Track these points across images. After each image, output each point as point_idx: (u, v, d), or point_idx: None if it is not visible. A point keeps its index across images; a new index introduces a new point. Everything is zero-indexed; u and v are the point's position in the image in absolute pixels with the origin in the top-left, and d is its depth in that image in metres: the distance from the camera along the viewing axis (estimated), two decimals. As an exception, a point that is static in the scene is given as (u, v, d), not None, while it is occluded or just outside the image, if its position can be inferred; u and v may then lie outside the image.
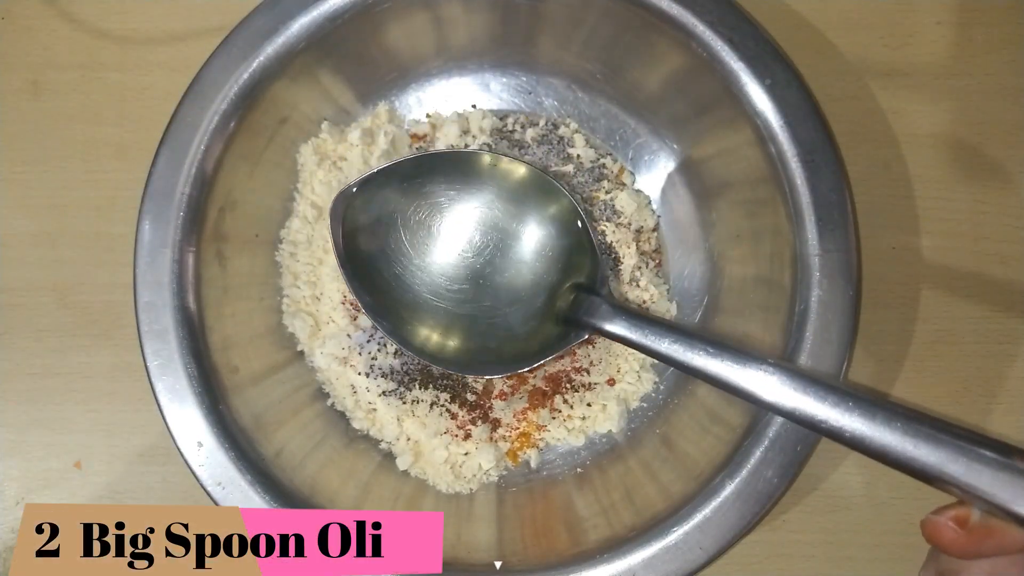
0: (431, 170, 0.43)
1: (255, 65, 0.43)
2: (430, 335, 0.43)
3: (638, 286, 0.48)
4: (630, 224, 0.48)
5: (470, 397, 0.48)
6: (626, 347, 0.48)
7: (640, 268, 0.48)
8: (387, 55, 0.48)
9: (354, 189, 0.42)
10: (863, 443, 0.29)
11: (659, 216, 0.50)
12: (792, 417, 0.32)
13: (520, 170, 0.43)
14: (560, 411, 0.48)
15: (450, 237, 0.43)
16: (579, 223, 0.42)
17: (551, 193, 0.43)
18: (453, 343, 0.43)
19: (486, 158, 0.42)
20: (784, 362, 0.34)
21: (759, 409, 0.40)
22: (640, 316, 0.39)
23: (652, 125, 0.49)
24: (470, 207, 0.43)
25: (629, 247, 0.48)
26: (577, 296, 0.42)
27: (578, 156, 0.49)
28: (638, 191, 0.50)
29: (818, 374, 0.33)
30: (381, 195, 0.43)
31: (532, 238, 0.44)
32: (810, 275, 0.40)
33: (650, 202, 0.49)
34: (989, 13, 0.50)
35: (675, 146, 0.49)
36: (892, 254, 0.48)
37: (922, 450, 0.27)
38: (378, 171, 0.42)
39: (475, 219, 0.43)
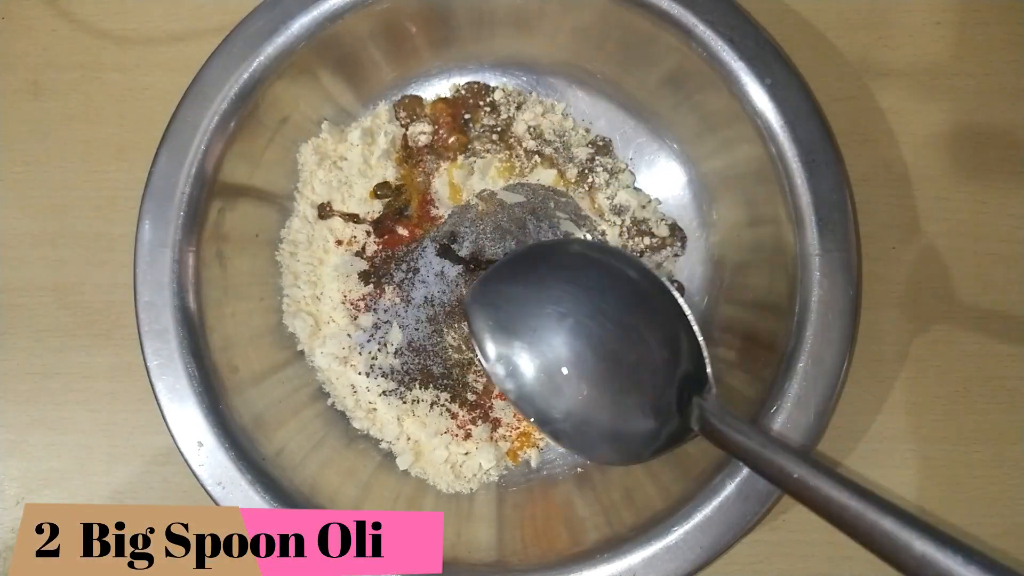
0: (542, 264, 0.41)
1: (255, 65, 0.43)
2: (546, 407, 0.39)
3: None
4: (630, 224, 0.48)
5: (470, 397, 0.48)
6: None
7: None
8: (387, 55, 0.48)
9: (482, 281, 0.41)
10: None
11: (658, 216, 0.49)
12: None
13: (627, 272, 0.40)
14: (560, 411, 0.48)
15: (565, 325, 0.40)
16: (685, 325, 0.38)
17: (657, 294, 0.39)
18: (566, 420, 0.39)
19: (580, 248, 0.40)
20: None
21: (759, 408, 0.40)
22: (752, 429, 0.34)
23: (652, 125, 0.49)
24: (584, 300, 0.40)
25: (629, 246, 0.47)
26: (684, 396, 0.37)
27: (578, 156, 0.49)
28: (638, 190, 0.50)
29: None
30: (504, 286, 0.41)
31: (640, 335, 0.39)
32: (810, 275, 0.40)
33: (650, 201, 0.49)
34: (989, 13, 0.50)
35: (675, 146, 0.49)
36: (892, 254, 0.48)
37: None
38: (498, 266, 0.41)
39: (589, 311, 0.40)
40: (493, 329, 0.40)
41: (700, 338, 0.37)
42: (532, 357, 0.39)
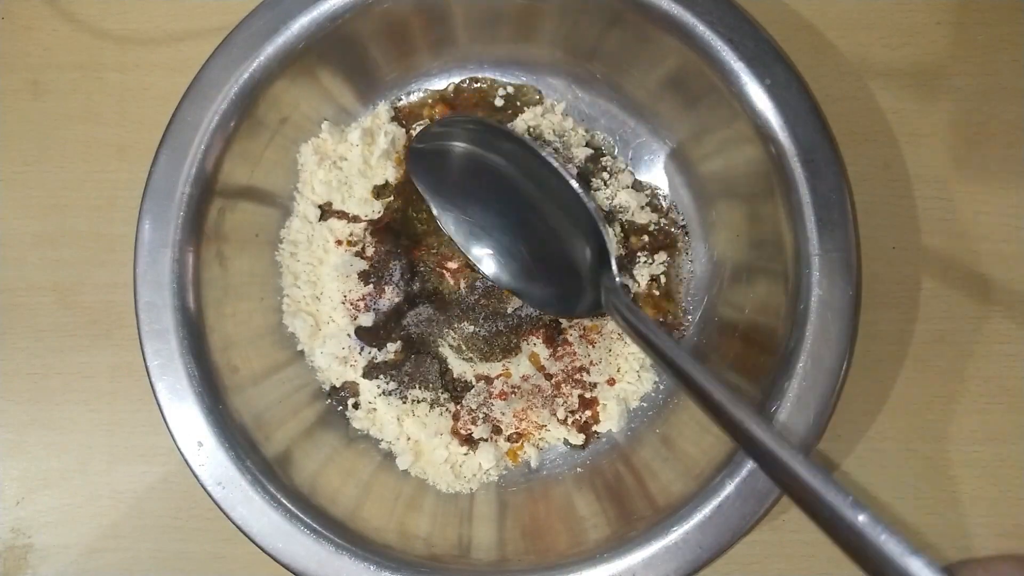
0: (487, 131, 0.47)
1: (255, 65, 0.43)
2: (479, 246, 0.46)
3: (637, 284, 0.48)
4: (629, 224, 0.48)
5: (471, 396, 0.48)
6: (626, 347, 0.48)
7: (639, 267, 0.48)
8: (387, 55, 0.48)
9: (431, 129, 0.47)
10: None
11: (658, 216, 0.49)
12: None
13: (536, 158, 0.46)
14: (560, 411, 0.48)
15: (497, 184, 0.46)
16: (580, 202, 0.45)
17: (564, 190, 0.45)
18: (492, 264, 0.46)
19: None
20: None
21: (759, 408, 0.40)
22: (645, 317, 0.40)
23: (652, 125, 0.49)
24: (514, 165, 0.46)
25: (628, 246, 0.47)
26: (596, 276, 0.44)
27: (577, 156, 0.49)
28: (638, 191, 0.49)
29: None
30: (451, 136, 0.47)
31: (555, 220, 0.46)
32: (810, 275, 0.40)
33: (650, 201, 0.49)
34: (989, 13, 0.50)
35: (675, 146, 0.49)
36: (892, 254, 0.48)
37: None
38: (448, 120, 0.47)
39: (516, 174, 0.46)
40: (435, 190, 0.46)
41: (601, 228, 0.44)
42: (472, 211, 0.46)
